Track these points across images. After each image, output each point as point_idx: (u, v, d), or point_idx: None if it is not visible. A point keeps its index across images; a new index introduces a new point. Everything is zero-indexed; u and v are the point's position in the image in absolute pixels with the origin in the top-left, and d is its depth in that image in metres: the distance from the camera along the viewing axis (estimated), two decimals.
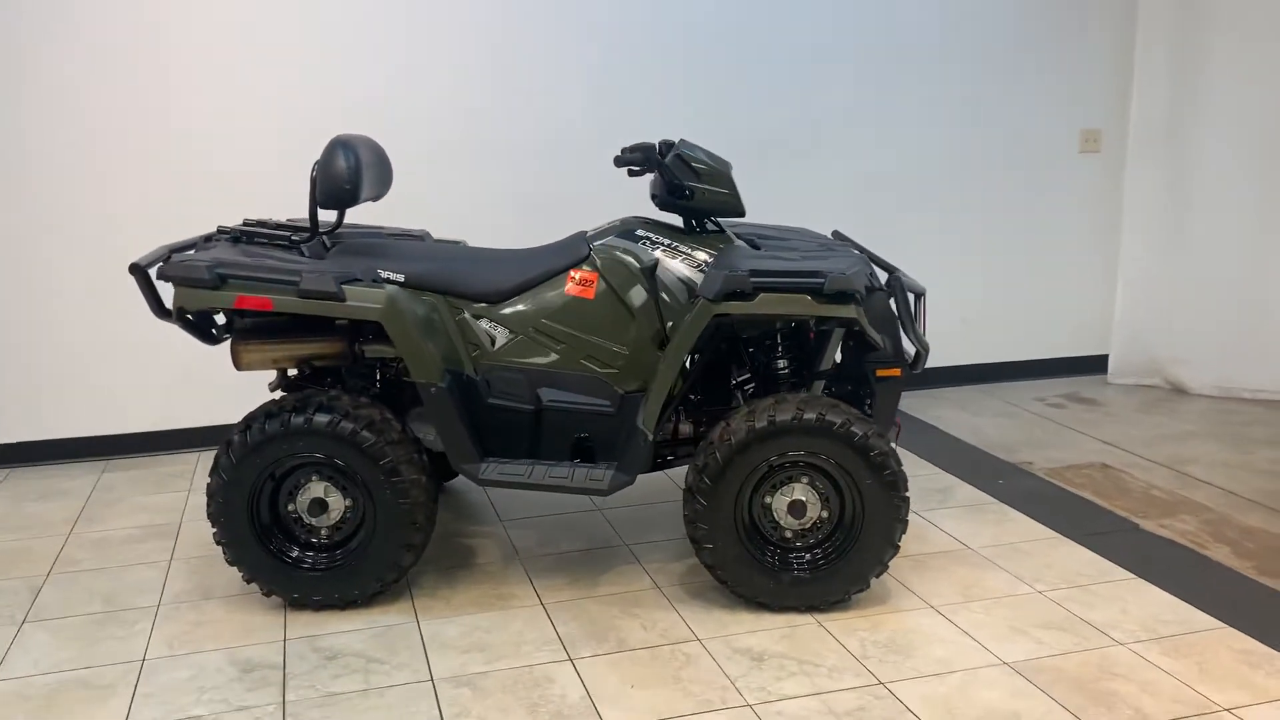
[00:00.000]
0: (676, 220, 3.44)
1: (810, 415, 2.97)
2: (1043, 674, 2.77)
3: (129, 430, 4.56)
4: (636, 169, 3.26)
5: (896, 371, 3.31)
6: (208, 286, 2.97)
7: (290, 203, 4.41)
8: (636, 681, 2.76)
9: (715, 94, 4.96)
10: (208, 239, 3.33)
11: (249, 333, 3.26)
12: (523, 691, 2.72)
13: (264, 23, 4.42)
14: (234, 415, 4.60)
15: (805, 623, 3.06)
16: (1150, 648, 2.90)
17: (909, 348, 3.31)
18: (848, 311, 3.02)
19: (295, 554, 3.12)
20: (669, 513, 3.87)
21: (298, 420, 3.01)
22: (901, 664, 2.83)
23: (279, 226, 3.48)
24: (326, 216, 3.30)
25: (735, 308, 2.98)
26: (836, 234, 3.82)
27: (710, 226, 3.40)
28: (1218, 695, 2.66)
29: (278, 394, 3.49)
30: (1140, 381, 5.59)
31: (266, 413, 3.04)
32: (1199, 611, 3.10)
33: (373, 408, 3.09)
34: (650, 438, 3.08)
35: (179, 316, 3.09)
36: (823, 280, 2.99)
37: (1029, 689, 2.70)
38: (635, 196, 4.76)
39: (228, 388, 4.60)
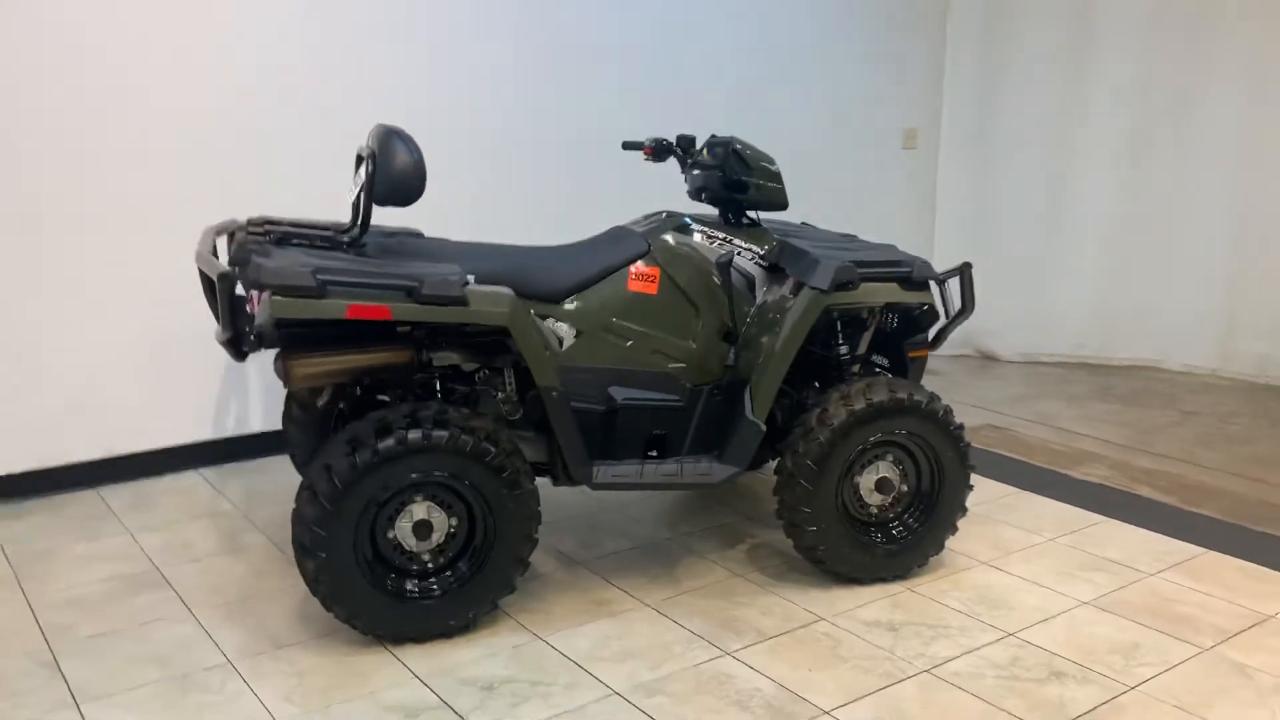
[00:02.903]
0: (710, 214, 3.50)
1: (901, 395, 3.17)
2: (1122, 608, 3.17)
3: (10, 471, 3.84)
4: (712, 164, 3.30)
5: (925, 352, 3.59)
6: (313, 295, 2.65)
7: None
8: (810, 665, 2.83)
9: (605, 100, 4.99)
10: (245, 243, 2.94)
11: (298, 345, 2.93)
12: (715, 690, 2.70)
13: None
14: (140, 444, 4.05)
15: (898, 591, 3.26)
16: (1176, 575, 3.39)
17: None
18: (927, 297, 3.25)
19: (410, 585, 2.86)
20: (678, 503, 3.90)
21: (415, 437, 2.76)
22: (1011, 615, 3.12)
23: (296, 225, 3.16)
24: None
25: (841, 297, 3.11)
26: (805, 224, 4.03)
27: (745, 220, 3.49)
28: (1259, 606, 3.18)
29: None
30: (956, 352, 6.31)
31: (375, 431, 2.76)
32: (1180, 541, 3.65)
33: (478, 419, 2.89)
34: (763, 428, 3.13)
35: (274, 328, 2.72)
36: (910, 269, 3.20)
37: (1124, 622, 3.08)
38: (592, 192, 4.73)
39: (128, 411, 4.02)
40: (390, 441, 2.74)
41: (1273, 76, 5.38)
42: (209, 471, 4.18)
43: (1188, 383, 5.77)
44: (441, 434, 2.78)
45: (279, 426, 4.30)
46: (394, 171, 2.89)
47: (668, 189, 5.05)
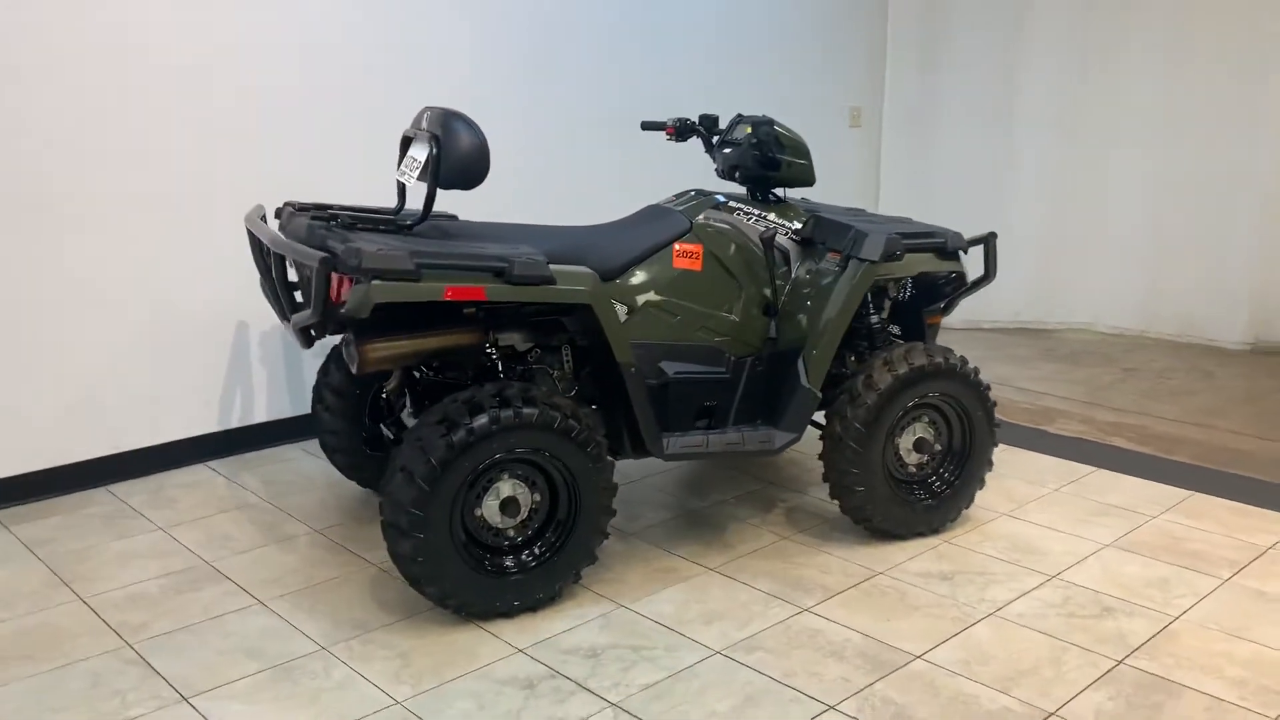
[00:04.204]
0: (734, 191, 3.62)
1: (939, 359, 3.36)
2: (1141, 547, 3.44)
3: (17, 472, 3.68)
4: (751, 143, 3.42)
5: (938, 319, 3.79)
6: (412, 278, 2.66)
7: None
8: (887, 616, 2.99)
9: (588, 74, 5.05)
10: (312, 229, 2.92)
11: (369, 330, 2.94)
12: (809, 643, 2.84)
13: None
14: (146, 439, 3.94)
15: (937, 544, 3.46)
16: (1176, 516, 3.69)
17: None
18: (958, 265, 3.45)
19: (509, 562, 2.91)
20: (700, 472, 4.01)
21: (507, 415, 2.80)
22: (1045, 560, 3.35)
23: (348, 210, 3.16)
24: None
25: (889, 268, 3.27)
26: (804, 200, 4.19)
27: (772, 198, 3.62)
28: (1255, 539, 3.50)
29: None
30: None
31: (469, 410, 2.79)
32: (1167, 486, 3.96)
33: (558, 395, 2.95)
34: (818, 395, 3.27)
35: (368, 314, 2.71)
36: (944, 239, 3.39)
37: (1148, 560, 3.35)
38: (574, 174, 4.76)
39: (132, 406, 3.90)
40: (484, 420, 2.77)
41: (1190, 51, 5.80)
42: (218, 464, 4.09)
43: (1119, 343, 6.18)
44: (532, 411, 2.83)
45: (285, 414, 4.27)
46: (460, 154, 2.91)
47: (638, 172, 5.15)
